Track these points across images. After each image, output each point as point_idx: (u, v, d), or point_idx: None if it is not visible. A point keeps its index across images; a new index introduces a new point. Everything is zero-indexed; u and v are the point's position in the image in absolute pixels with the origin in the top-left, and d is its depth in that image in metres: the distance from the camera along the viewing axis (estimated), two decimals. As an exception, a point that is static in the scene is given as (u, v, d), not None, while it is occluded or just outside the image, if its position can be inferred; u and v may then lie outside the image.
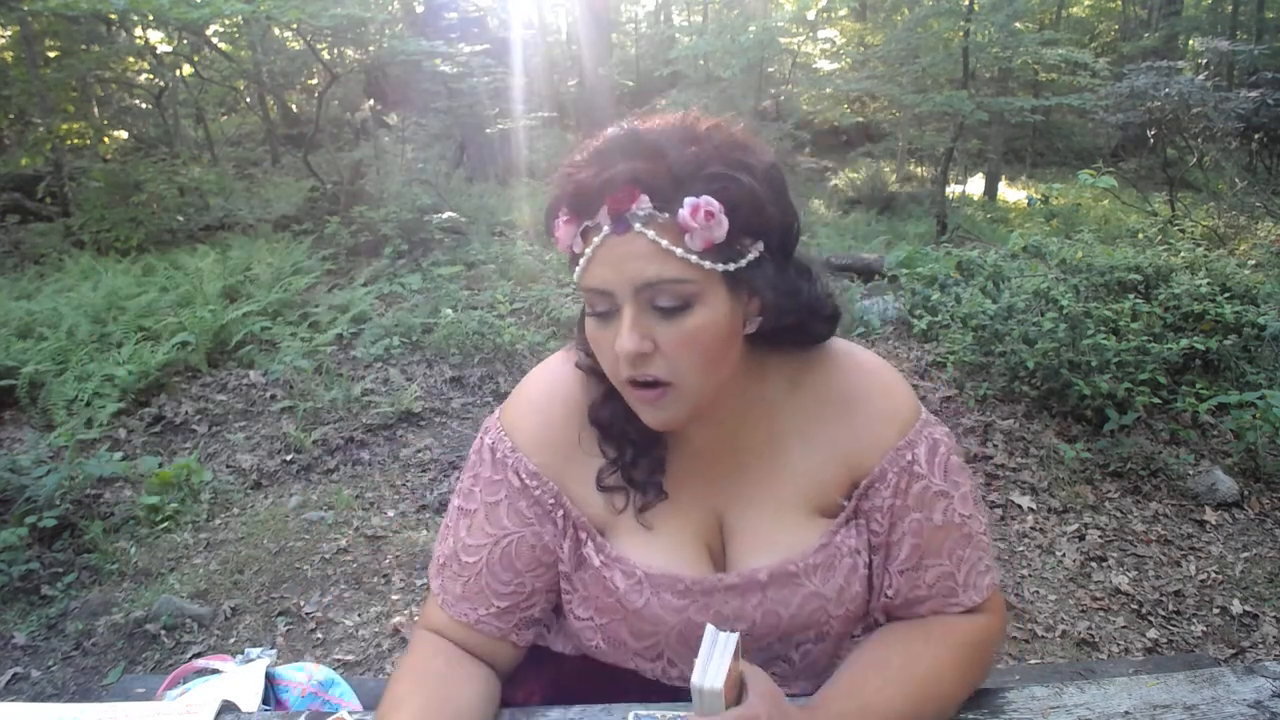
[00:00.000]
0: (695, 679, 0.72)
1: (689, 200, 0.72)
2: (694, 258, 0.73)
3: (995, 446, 3.39)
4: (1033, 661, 2.24)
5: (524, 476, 0.88)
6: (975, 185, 11.79)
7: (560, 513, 0.88)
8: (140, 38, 9.86)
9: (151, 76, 9.90)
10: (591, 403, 0.88)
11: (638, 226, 0.72)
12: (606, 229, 0.73)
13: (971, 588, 0.89)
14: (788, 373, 0.90)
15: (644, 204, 0.72)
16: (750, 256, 0.76)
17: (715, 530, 0.90)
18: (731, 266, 0.75)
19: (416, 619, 2.38)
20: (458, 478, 3.64)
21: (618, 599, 0.87)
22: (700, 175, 0.73)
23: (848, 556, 0.88)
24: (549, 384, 0.92)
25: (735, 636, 0.74)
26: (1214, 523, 2.90)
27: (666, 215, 0.72)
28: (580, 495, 0.89)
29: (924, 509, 0.87)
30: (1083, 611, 2.47)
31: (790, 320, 0.83)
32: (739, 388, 0.86)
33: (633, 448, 0.87)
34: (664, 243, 0.72)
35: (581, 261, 0.76)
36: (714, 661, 0.72)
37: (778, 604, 0.87)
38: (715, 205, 0.72)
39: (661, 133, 0.76)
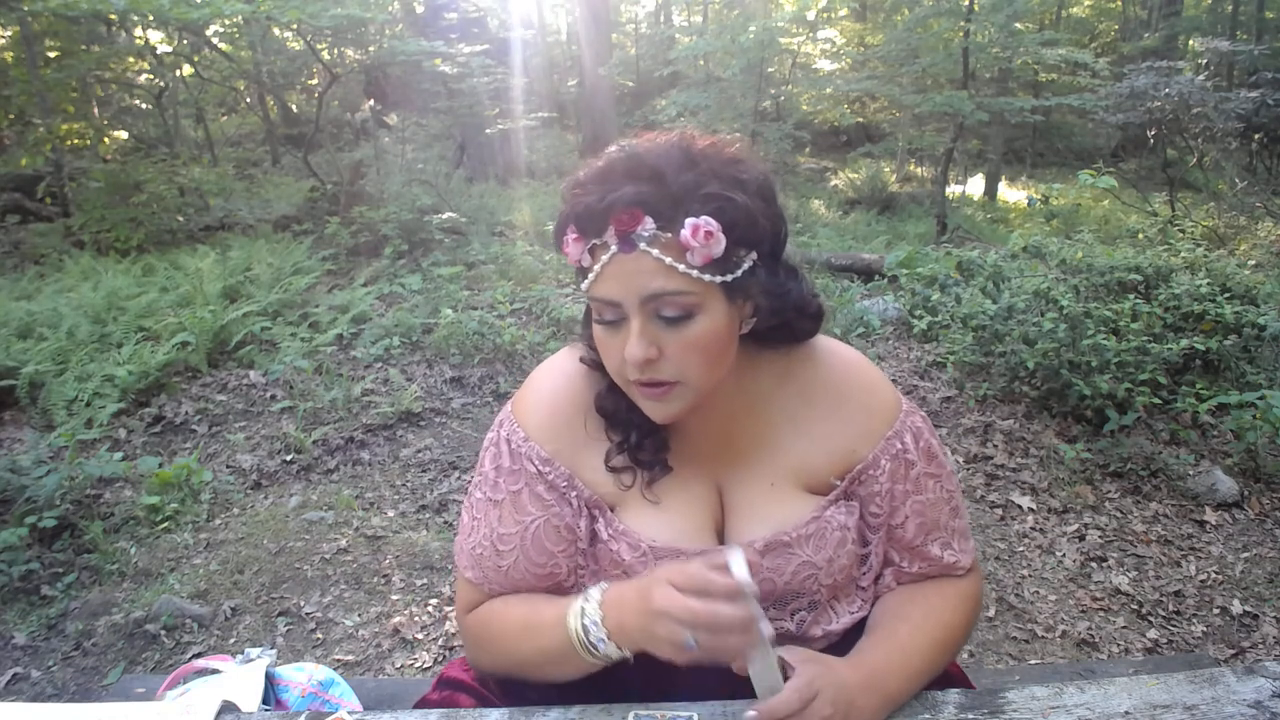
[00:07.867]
0: (733, 567, 0.77)
1: (689, 221, 0.78)
2: (694, 272, 0.80)
3: (995, 447, 3.39)
4: (1033, 661, 2.24)
5: (537, 463, 0.95)
6: (975, 185, 11.80)
7: (574, 493, 0.96)
8: (140, 38, 9.85)
9: (151, 76, 9.89)
10: (597, 393, 0.96)
11: (643, 246, 0.79)
12: (614, 248, 0.80)
13: (964, 552, 1.01)
14: (777, 368, 0.98)
15: (648, 225, 0.79)
16: (745, 266, 0.84)
17: (717, 504, 0.98)
18: (729, 278, 0.83)
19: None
20: (458, 478, 3.60)
21: (624, 570, 0.94)
22: (698, 196, 0.80)
23: (837, 530, 0.96)
24: (554, 378, 1.00)
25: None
26: (1214, 523, 2.90)
27: (669, 235, 0.79)
28: (591, 477, 0.96)
29: (921, 491, 0.98)
30: (1083, 611, 2.47)
31: (780, 320, 0.91)
32: (732, 382, 0.94)
33: (637, 431, 0.94)
34: (667, 260, 0.79)
35: (590, 275, 0.83)
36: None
37: (772, 572, 0.94)
38: (713, 225, 0.79)
39: (660, 155, 0.82)
